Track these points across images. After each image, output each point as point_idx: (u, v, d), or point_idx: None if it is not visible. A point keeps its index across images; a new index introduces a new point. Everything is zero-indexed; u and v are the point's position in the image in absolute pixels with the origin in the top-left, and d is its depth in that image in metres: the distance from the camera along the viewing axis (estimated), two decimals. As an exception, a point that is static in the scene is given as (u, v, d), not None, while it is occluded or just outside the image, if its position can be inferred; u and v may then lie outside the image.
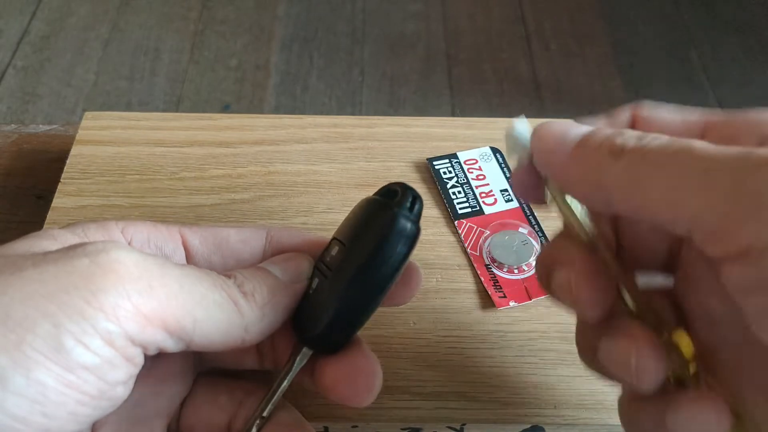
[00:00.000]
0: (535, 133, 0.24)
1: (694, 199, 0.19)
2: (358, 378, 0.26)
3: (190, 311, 0.22)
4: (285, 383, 0.27)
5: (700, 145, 0.20)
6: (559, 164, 0.23)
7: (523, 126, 0.25)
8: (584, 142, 0.23)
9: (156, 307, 0.21)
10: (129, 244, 0.25)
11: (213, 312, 0.23)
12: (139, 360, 0.22)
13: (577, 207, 0.25)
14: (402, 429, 0.32)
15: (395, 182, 0.27)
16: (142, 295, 0.21)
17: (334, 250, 0.26)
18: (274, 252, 0.28)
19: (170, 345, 0.22)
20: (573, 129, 0.24)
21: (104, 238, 0.25)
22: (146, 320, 0.21)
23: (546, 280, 0.25)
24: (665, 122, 0.26)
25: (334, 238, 0.27)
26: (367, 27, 1.53)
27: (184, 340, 0.23)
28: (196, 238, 0.27)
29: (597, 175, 0.22)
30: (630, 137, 0.22)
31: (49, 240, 0.24)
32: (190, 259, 0.27)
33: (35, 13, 1.51)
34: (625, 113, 0.27)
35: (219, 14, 1.54)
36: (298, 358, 0.26)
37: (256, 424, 0.26)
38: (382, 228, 0.25)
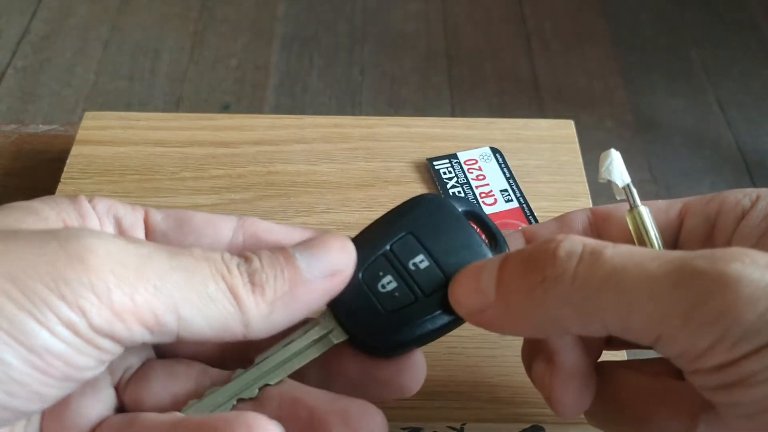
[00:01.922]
0: (452, 299, 0.24)
1: (644, 324, 0.19)
2: (407, 368, 0.24)
3: (173, 307, 0.20)
4: (295, 362, 0.24)
5: (631, 260, 0.20)
6: (495, 322, 0.23)
7: (614, 161, 0.26)
8: (501, 288, 0.22)
9: (126, 303, 0.20)
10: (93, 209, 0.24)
11: (204, 307, 0.21)
12: (113, 349, 0.21)
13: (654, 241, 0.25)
14: (402, 429, 0.32)
15: (491, 223, 0.26)
16: (109, 288, 0.20)
17: (419, 258, 0.24)
18: (247, 242, 0.25)
19: (151, 339, 0.21)
20: (483, 279, 0.23)
21: (74, 209, 0.24)
22: (114, 315, 0.20)
23: (527, 364, 0.25)
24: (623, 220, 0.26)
25: (411, 234, 0.25)
26: (367, 27, 1.53)
27: (167, 334, 0.21)
28: (160, 215, 0.25)
29: (536, 315, 0.21)
30: (544, 264, 0.21)
31: (32, 216, 0.23)
32: (149, 234, 0.25)
33: (35, 13, 1.51)
34: (581, 214, 0.27)
35: (219, 14, 1.54)
36: (326, 340, 0.24)
37: (234, 404, 0.23)
38: None
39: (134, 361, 0.25)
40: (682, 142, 1.31)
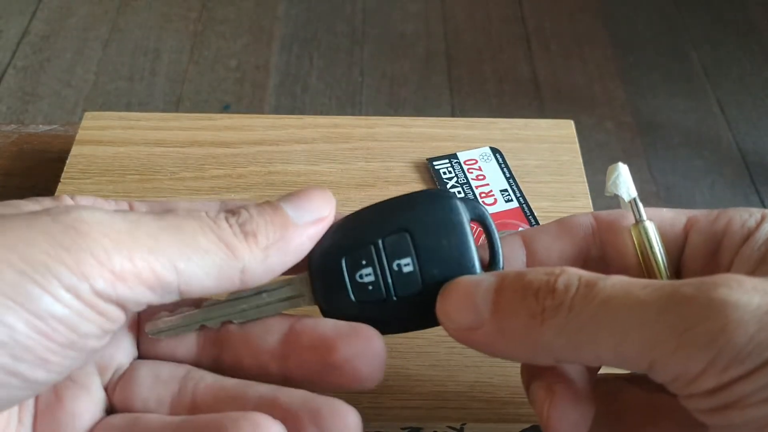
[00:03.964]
0: (440, 313, 0.23)
1: (637, 352, 0.20)
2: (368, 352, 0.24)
3: (170, 263, 0.21)
4: (263, 311, 0.24)
5: (622, 289, 0.20)
6: (485, 343, 0.23)
7: (621, 175, 0.26)
8: (497, 310, 0.22)
9: (125, 265, 0.20)
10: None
11: (200, 259, 0.22)
12: (117, 315, 0.21)
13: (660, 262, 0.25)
14: (402, 429, 0.32)
15: (495, 237, 0.25)
16: (108, 252, 0.20)
17: (405, 261, 0.24)
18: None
19: (155, 299, 0.22)
20: (477, 296, 0.22)
21: (57, 203, 0.24)
22: (116, 277, 0.20)
23: (526, 383, 0.25)
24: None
25: (407, 232, 0.24)
26: (366, 27, 1.53)
27: (170, 292, 0.22)
28: (145, 206, 0.26)
29: (530, 343, 0.21)
30: (543, 295, 0.21)
31: (14, 208, 0.23)
32: None
33: (35, 13, 1.51)
34: (585, 219, 0.26)
35: (219, 14, 1.54)
36: (295, 301, 0.25)
37: (197, 329, 0.24)
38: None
39: (123, 361, 0.25)
40: (682, 143, 1.31)
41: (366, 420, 0.31)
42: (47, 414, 0.23)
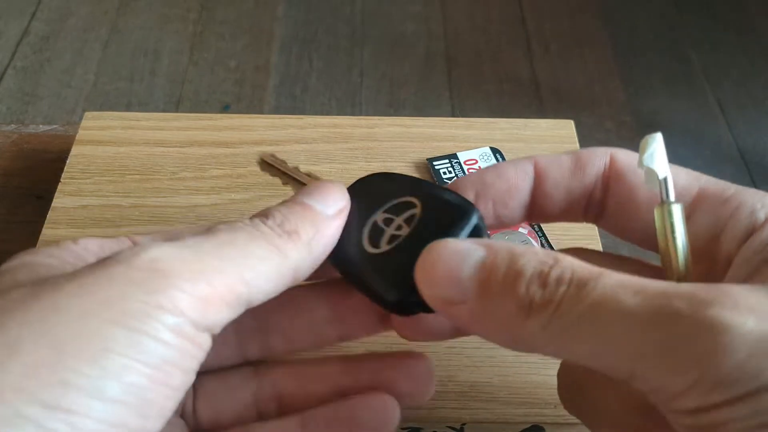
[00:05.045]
0: (421, 273, 0.22)
1: (618, 361, 0.19)
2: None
3: (239, 277, 0.22)
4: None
5: (613, 294, 0.19)
6: (463, 318, 0.22)
7: (658, 148, 0.23)
8: (483, 289, 0.21)
9: (207, 290, 0.21)
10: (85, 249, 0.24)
11: (259, 267, 0.22)
12: (207, 344, 0.22)
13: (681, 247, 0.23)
14: (402, 429, 0.32)
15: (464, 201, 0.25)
16: (192, 282, 0.21)
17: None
18: None
19: (232, 315, 0.22)
20: (465, 268, 0.21)
21: (62, 253, 0.23)
22: (205, 304, 0.21)
23: (566, 396, 0.25)
24: (639, 187, 0.25)
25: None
26: (366, 28, 1.53)
27: (242, 305, 0.22)
28: (148, 237, 0.26)
29: (511, 331, 0.21)
30: (534, 287, 0.20)
31: (43, 256, 0.23)
32: None
33: (35, 14, 1.51)
34: (599, 160, 0.25)
35: (218, 15, 1.54)
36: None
37: None
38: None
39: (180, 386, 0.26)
40: (682, 143, 1.31)
41: (366, 420, 0.31)
42: None
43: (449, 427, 0.32)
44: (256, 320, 0.26)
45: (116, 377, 0.19)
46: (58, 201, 0.39)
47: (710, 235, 0.24)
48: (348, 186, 0.27)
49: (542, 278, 0.20)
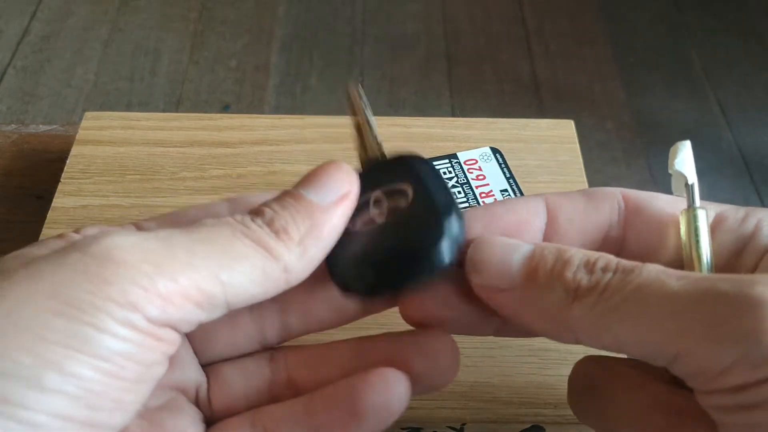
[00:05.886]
0: (471, 262, 0.23)
1: (663, 340, 0.19)
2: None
3: (213, 276, 0.20)
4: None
5: (657, 278, 0.20)
6: (509, 306, 0.22)
7: (687, 155, 0.24)
8: (531, 277, 0.22)
9: (171, 286, 0.20)
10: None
11: (241, 267, 0.21)
12: (173, 338, 0.21)
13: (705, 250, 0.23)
14: (402, 429, 0.32)
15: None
16: (149, 276, 0.19)
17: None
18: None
19: (204, 315, 0.21)
20: (514, 258, 0.22)
21: (56, 243, 0.23)
22: (164, 300, 0.19)
23: (588, 399, 0.24)
24: (661, 215, 0.25)
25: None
26: (366, 27, 1.53)
27: (218, 306, 0.21)
28: (153, 222, 0.25)
29: (556, 317, 0.21)
30: (581, 273, 0.21)
31: (37, 247, 0.22)
32: None
33: (35, 14, 1.51)
34: (612, 197, 0.25)
35: (219, 15, 1.54)
36: None
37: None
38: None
39: (197, 376, 0.25)
40: (682, 143, 1.31)
41: (366, 420, 0.31)
42: None
43: (449, 427, 0.32)
44: (274, 298, 0.25)
45: (54, 367, 0.18)
46: (58, 201, 0.39)
47: (731, 252, 0.24)
48: (376, 163, 0.26)
49: (589, 266, 0.21)
